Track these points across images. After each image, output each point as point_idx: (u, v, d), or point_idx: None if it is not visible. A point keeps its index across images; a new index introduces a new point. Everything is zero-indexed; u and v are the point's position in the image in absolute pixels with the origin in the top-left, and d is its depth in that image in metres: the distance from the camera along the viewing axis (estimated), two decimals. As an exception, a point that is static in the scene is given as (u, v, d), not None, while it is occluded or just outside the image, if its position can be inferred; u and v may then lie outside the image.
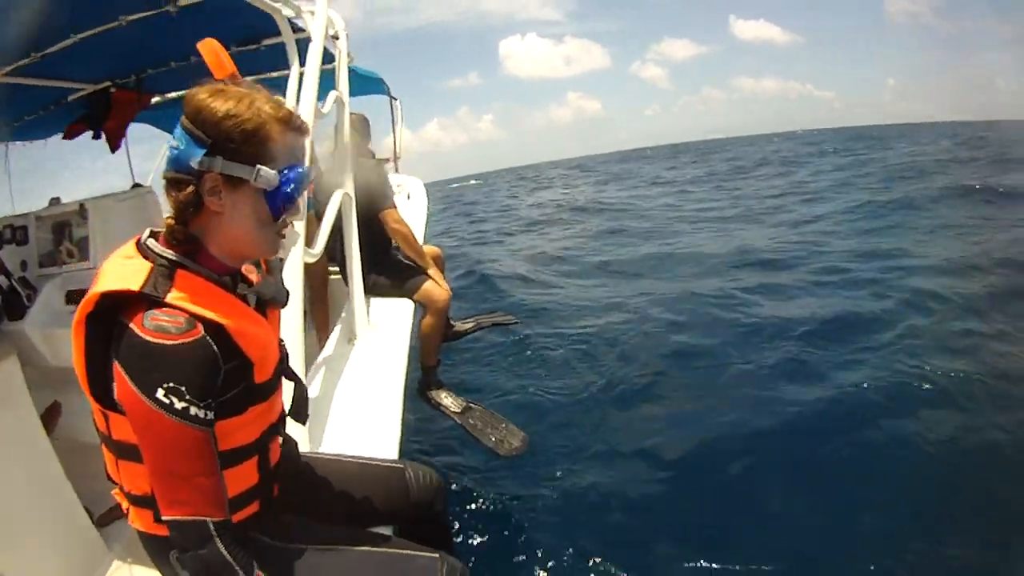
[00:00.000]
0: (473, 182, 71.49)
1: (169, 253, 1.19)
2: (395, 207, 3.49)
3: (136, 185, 6.04)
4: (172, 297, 1.12)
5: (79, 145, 4.56)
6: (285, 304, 1.46)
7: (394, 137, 6.89)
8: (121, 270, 1.15)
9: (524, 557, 3.01)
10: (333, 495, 1.61)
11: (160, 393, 1.06)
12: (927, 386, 4.25)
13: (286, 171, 1.22)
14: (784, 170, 25.82)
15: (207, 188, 1.17)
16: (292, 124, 1.25)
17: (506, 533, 3.20)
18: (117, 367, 1.10)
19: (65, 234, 3.42)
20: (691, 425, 4.14)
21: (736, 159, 40.09)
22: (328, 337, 2.94)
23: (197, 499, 1.12)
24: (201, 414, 1.11)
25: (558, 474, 3.69)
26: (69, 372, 2.90)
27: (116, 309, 1.11)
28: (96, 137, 4.25)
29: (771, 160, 33.79)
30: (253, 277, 1.38)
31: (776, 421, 4.02)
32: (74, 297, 3.18)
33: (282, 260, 1.97)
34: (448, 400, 3.75)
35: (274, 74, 4.09)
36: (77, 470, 2.65)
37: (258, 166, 1.18)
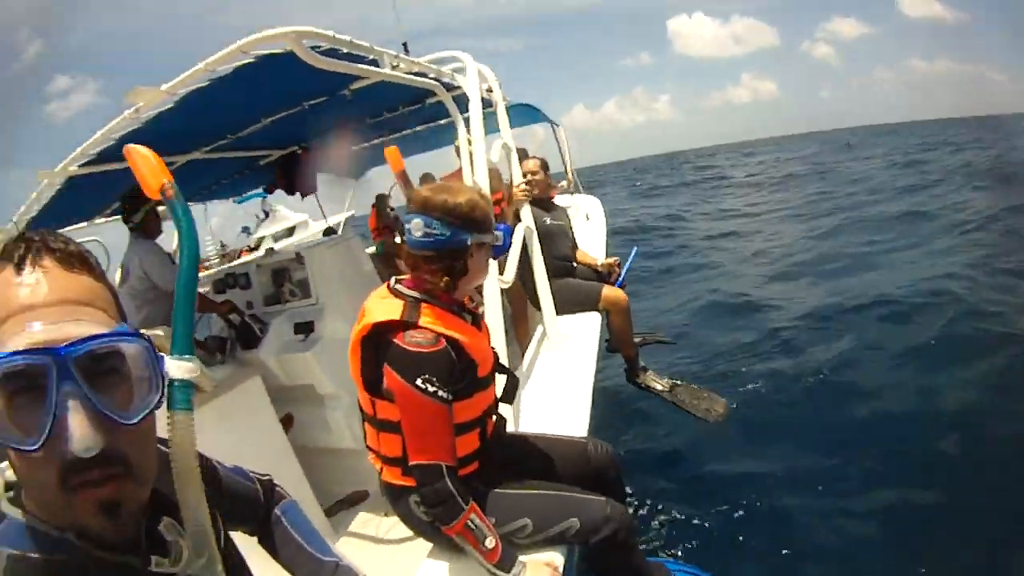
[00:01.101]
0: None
1: (415, 293, 1.82)
2: None
3: (329, 229, 6.81)
4: (422, 321, 1.73)
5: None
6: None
7: (563, 161, 7.05)
8: (383, 306, 1.79)
9: (690, 525, 3.64)
10: (531, 461, 2.13)
11: (419, 381, 1.65)
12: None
13: (504, 229, 1.93)
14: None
15: (471, 253, 1.83)
16: (490, 200, 1.91)
17: (682, 505, 3.83)
18: (388, 368, 1.71)
19: (285, 277, 4.02)
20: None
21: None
22: (527, 345, 3.49)
23: (436, 450, 1.71)
24: (444, 395, 1.69)
25: (740, 459, 4.27)
26: (299, 389, 3.59)
27: (382, 331, 1.74)
28: (290, 192, 4.95)
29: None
30: (469, 303, 2.00)
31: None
32: (301, 328, 3.73)
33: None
34: (654, 382, 4.26)
35: (442, 122, 4.84)
36: (306, 469, 3.28)
37: (496, 232, 1.88)
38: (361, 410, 1.93)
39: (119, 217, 4.05)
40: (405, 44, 4.24)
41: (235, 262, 4.73)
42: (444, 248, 1.79)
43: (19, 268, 0.71)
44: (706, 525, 3.63)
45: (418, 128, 5.17)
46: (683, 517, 3.73)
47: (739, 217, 17.53)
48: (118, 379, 0.72)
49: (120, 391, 0.72)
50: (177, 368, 0.80)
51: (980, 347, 5.31)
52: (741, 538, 3.47)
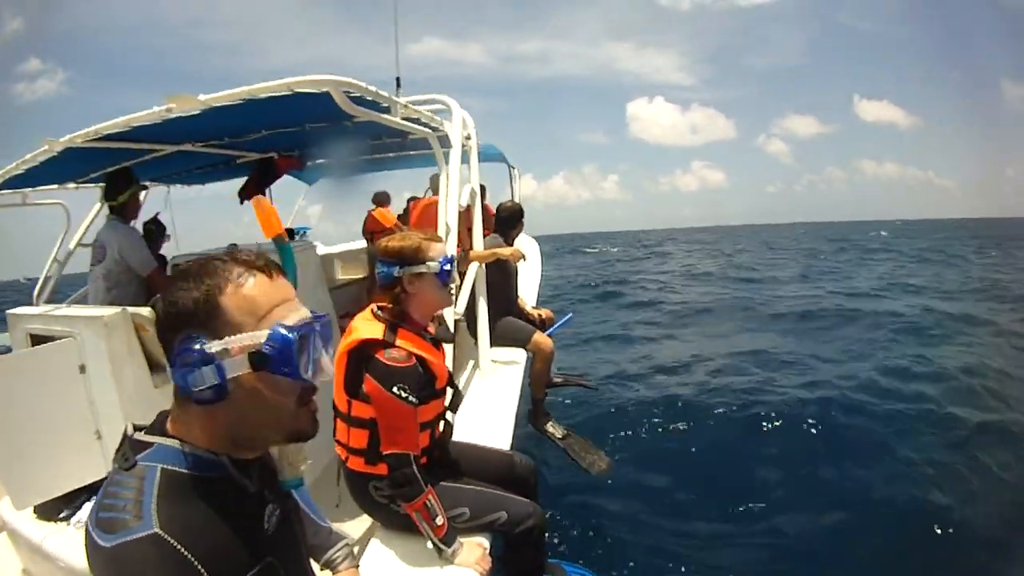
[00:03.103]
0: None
1: (390, 318, 2.23)
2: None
3: (290, 231, 6.92)
4: (399, 342, 2.17)
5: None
6: (452, 340, 2.61)
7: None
8: (369, 327, 2.19)
9: (585, 537, 4.25)
10: (468, 462, 2.56)
11: (395, 388, 2.09)
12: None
13: (442, 261, 2.27)
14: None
15: (406, 283, 2.24)
16: (435, 239, 2.33)
17: (578, 520, 4.40)
18: (368, 376, 2.12)
19: None
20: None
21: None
22: (455, 375, 3.77)
23: (406, 442, 2.14)
24: (414, 400, 2.13)
25: (626, 493, 4.78)
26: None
27: (366, 347, 2.14)
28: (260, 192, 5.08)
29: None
30: (431, 329, 2.37)
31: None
32: None
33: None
34: (552, 427, 4.69)
35: (412, 153, 5.18)
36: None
37: (427, 262, 2.24)
38: (335, 408, 2.29)
39: (90, 186, 4.27)
40: (398, 79, 4.51)
41: None
42: (385, 282, 2.25)
43: (270, 275, 1.07)
44: (598, 536, 4.24)
45: (390, 155, 5.47)
46: (579, 527, 4.33)
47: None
48: None
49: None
50: None
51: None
52: (628, 549, 4.09)
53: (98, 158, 3.62)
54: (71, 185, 4.39)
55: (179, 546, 0.90)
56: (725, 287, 19.00)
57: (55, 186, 4.39)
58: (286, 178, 5.62)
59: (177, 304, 1.01)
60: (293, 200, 7.50)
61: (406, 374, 2.11)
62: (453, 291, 2.39)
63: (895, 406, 6.34)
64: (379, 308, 2.28)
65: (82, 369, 2.95)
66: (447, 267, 2.28)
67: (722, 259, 33.47)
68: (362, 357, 2.16)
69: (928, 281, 17.75)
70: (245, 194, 5.13)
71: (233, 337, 1.00)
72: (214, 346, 0.99)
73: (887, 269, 22.62)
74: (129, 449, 1.02)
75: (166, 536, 0.90)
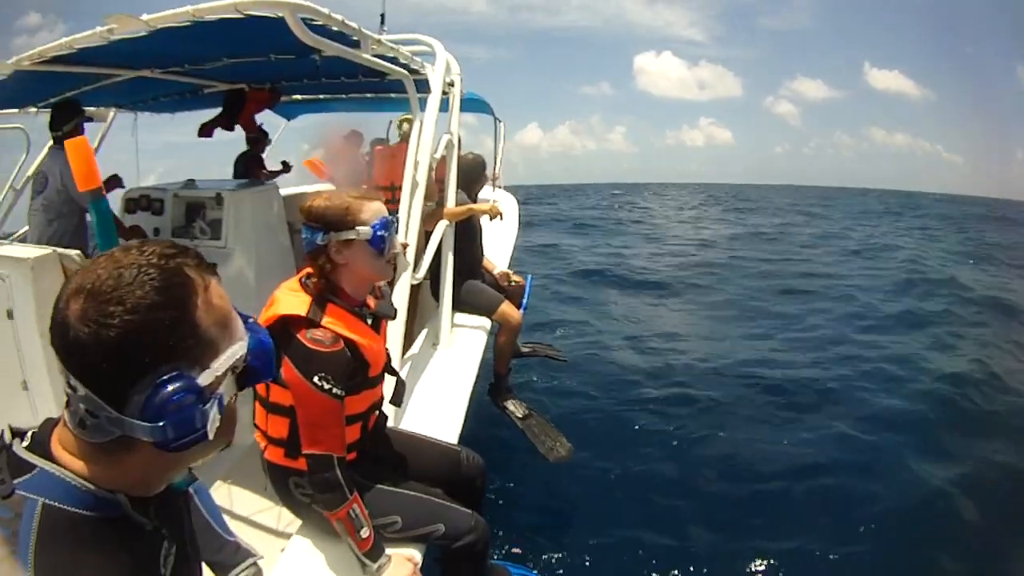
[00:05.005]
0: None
1: (319, 291, 1.89)
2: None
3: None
4: (325, 321, 1.83)
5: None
6: (394, 317, 2.21)
7: (495, 156, 7.02)
8: (292, 299, 1.86)
9: (536, 534, 3.87)
10: (407, 458, 2.26)
11: (316, 378, 1.75)
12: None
13: (375, 225, 1.90)
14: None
15: (332, 252, 1.88)
16: (368, 198, 1.96)
17: (531, 514, 4.09)
18: (287, 359, 1.77)
19: (200, 214, 3.96)
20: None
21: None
22: (415, 338, 3.51)
23: (329, 442, 1.82)
24: (338, 392, 1.80)
25: (586, 483, 4.50)
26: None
27: (287, 323, 1.80)
28: (229, 128, 4.82)
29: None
30: (371, 303, 2.04)
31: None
32: None
33: (391, 285, 2.59)
34: (513, 406, 4.33)
35: (392, 95, 4.86)
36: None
37: (356, 227, 1.87)
38: (254, 389, 1.89)
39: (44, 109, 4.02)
40: (383, 16, 4.21)
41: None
42: (310, 250, 1.91)
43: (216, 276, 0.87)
44: (550, 533, 3.94)
45: (367, 95, 5.19)
46: (531, 522, 4.03)
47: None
48: None
49: None
50: None
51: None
52: (581, 549, 3.79)
53: (57, 82, 3.46)
54: (32, 109, 4.24)
55: None
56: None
57: (15, 110, 4.28)
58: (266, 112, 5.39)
59: (142, 331, 0.76)
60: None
61: (329, 361, 1.79)
62: (397, 260, 2.06)
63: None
64: (307, 277, 1.95)
65: (9, 314, 2.74)
66: (382, 232, 1.92)
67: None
68: (282, 336, 1.78)
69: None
70: (211, 127, 4.88)
71: (219, 360, 0.83)
72: (205, 377, 0.81)
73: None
74: (6, 467, 0.81)
75: None
